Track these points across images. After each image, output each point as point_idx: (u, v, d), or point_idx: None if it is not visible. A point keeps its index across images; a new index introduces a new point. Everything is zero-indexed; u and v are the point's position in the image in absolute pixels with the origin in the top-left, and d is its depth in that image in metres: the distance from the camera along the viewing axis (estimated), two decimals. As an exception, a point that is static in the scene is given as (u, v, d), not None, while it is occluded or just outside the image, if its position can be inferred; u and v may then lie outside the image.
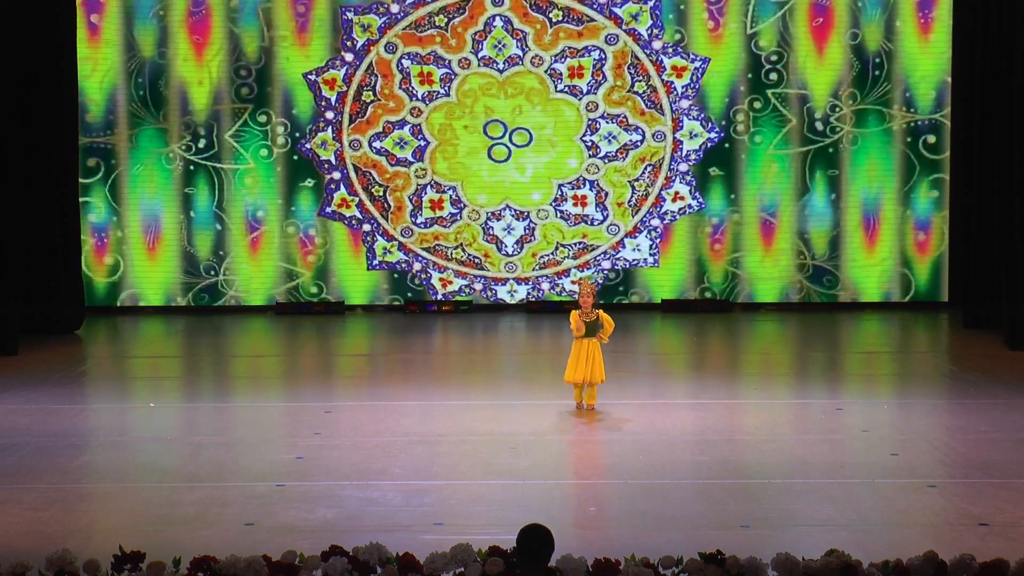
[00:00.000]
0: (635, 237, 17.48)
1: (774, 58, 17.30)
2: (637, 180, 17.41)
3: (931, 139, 17.39)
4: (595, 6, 17.20)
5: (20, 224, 15.56)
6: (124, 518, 8.71)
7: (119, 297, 17.55)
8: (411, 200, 17.46)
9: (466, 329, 16.83)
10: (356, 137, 17.38)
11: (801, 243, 17.50)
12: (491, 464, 9.91)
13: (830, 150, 17.43)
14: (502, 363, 15.17)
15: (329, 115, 17.33)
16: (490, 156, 17.46)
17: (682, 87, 17.28)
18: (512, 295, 17.61)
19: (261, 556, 6.96)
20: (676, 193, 17.43)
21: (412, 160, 17.40)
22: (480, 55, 17.28)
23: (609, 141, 17.36)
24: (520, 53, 17.27)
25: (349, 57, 17.25)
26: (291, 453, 10.30)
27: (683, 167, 17.36)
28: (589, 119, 17.34)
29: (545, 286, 17.57)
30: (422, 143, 17.40)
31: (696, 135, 17.36)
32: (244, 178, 17.41)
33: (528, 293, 17.59)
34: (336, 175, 17.43)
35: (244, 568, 6.87)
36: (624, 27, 17.18)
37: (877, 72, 17.26)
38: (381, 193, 17.44)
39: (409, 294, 17.62)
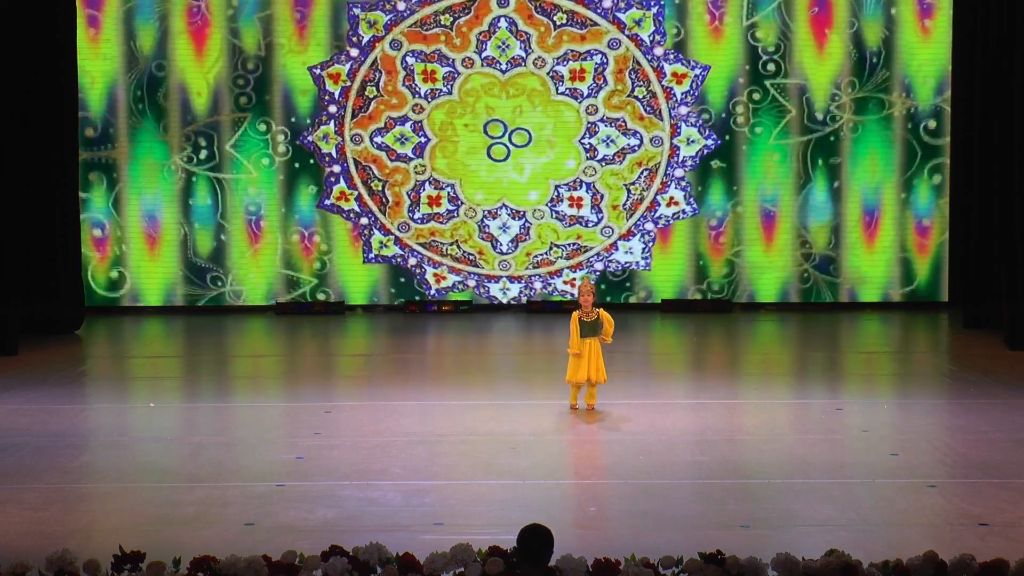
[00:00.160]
0: (628, 240, 17.50)
1: (772, 49, 17.31)
2: (633, 184, 17.42)
3: (932, 124, 17.39)
4: (599, 11, 17.21)
5: (20, 224, 15.55)
6: (124, 518, 8.71)
7: (119, 296, 17.55)
8: (409, 196, 17.47)
9: (466, 329, 16.83)
10: (358, 132, 17.40)
11: (805, 232, 17.50)
12: (491, 464, 9.91)
13: (831, 139, 17.43)
14: (502, 363, 15.16)
15: (332, 109, 17.35)
16: (489, 155, 17.48)
17: (681, 94, 17.29)
18: (505, 293, 17.64)
19: (261, 556, 6.96)
20: (671, 198, 17.45)
21: (412, 156, 17.42)
22: (484, 55, 17.29)
23: (607, 144, 17.36)
24: (523, 54, 17.28)
25: (354, 52, 17.27)
26: (291, 453, 10.29)
27: (679, 172, 17.38)
28: (588, 122, 17.34)
29: (538, 285, 17.59)
30: (423, 140, 17.42)
31: (693, 141, 17.37)
32: (247, 186, 17.42)
33: (520, 291, 17.61)
34: (336, 168, 17.46)
35: (244, 568, 6.87)
36: (627, 32, 17.18)
37: (875, 60, 17.26)
38: (380, 188, 17.46)
39: (400, 283, 17.56)
